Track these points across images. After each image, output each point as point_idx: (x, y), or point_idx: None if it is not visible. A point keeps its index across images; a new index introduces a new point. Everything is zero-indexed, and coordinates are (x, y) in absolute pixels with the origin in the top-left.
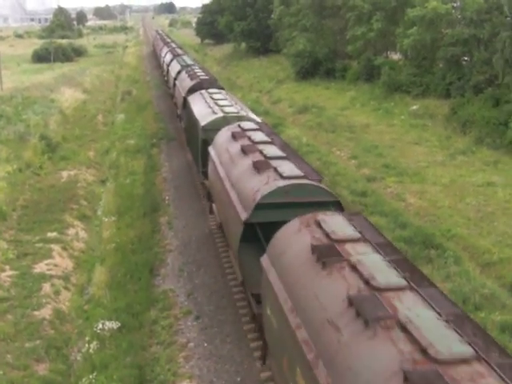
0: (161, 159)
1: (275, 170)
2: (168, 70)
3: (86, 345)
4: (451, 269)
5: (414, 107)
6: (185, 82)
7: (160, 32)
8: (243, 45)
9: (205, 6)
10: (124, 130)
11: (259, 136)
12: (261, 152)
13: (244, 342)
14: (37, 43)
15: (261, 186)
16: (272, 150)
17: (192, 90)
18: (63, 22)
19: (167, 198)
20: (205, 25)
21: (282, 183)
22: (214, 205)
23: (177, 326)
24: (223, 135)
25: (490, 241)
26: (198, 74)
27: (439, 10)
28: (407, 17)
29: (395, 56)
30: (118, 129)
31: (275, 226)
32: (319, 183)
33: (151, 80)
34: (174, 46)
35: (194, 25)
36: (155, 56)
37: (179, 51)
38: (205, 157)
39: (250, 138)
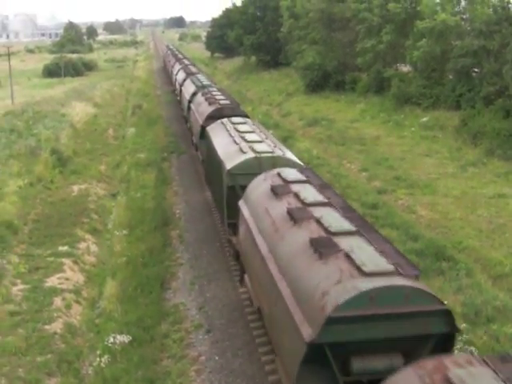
0: (171, 173)
1: (348, 257)
2: (181, 90)
3: (98, 358)
4: (463, 281)
5: (425, 119)
6: (202, 107)
7: (171, 47)
8: (253, 58)
9: (214, 20)
10: (134, 144)
11: (310, 193)
12: (318, 222)
13: (255, 355)
14: (47, 58)
15: (330, 285)
16: (334, 219)
17: (211, 118)
18: (74, 37)
19: (178, 211)
20: (214, 38)
21: (364, 285)
22: (246, 276)
23: (188, 340)
24: (259, 188)
25: (501, 252)
26: (217, 97)
27: (448, 22)
28: (416, 29)
29: (405, 68)
30: (128, 143)
31: (354, 345)
32: (417, 281)
33: (161, 94)
34: (186, 62)
35: (203, 38)
36: (166, 72)
37: (193, 69)
38: (232, 206)
39: (298, 197)
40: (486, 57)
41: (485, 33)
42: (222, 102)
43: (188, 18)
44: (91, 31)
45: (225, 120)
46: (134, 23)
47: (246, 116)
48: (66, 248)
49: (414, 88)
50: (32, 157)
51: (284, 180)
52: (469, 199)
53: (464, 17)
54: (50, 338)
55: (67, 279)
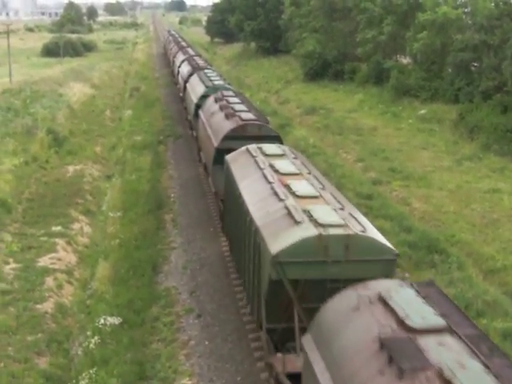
0: (167, 156)
1: None
2: (186, 87)
3: (87, 339)
4: (454, 274)
5: (422, 111)
6: (216, 120)
7: (173, 32)
8: (253, 44)
9: (215, 5)
10: (131, 126)
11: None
12: None
13: (244, 341)
14: (47, 37)
15: None
16: None
17: (230, 139)
18: (74, 17)
19: (172, 195)
20: (215, 23)
21: None
22: None
23: (178, 324)
24: (347, 325)
25: (494, 247)
26: (237, 107)
27: (450, 15)
28: (418, 21)
29: (404, 60)
30: (125, 125)
31: None
32: None
33: (160, 77)
34: (191, 52)
35: (204, 23)
36: (166, 59)
37: (200, 61)
38: (275, 306)
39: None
40: (486, 51)
41: (486, 27)
42: (244, 115)
43: (189, 2)
44: (91, 12)
45: (253, 148)
46: (134, 5)
47: (279, 139)
48: (59, 228)
49: (413, 80)
50: (28, 136)
51: (400, 321)
52: (463, 193)
53: (465, 10)
54: (41, 317)
55: (59, 259)
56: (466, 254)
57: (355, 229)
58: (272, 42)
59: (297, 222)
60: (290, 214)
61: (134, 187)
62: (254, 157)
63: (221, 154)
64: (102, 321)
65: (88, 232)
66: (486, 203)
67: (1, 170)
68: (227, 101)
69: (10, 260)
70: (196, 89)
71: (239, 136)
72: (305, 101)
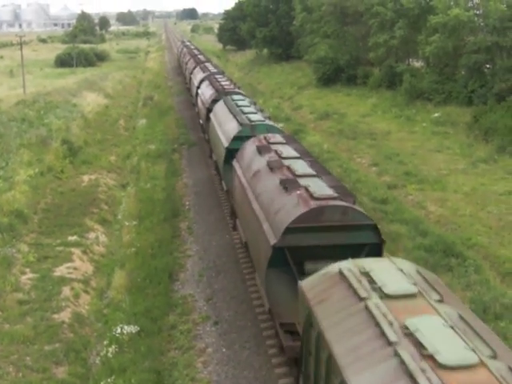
0: (182, 164)
1: None
2: (209, 118)
3: (105, 348)
4: (471, 277)
5: (436, 115)
6: (266, 189)
7: (187, 43)
8: (265, 51)
9: (227, 12)
10: (145, 135)
11: None
12: None
13: (263, 348)
14: (60, 48)
15: None
16: None
17: (296, 231)
18: (86, 27)
19: (187, 203)
20: (227, 31)
21: None
22: None
23: (195, 331)
24: None
25: (510, 250)
26: (298, 169)
27: (461, 18)
28: (429, 24)
29: (417, 63)
30: (139, 134)
31: None
32: None
33: (173, 85)
34: (212, 68)
35: (215, 31)
36: (180, 71)
37: (224, 82)
38: None
39: None
40: (499, 53)
41: (498, 29)
42: (314, 186)
43: (201, 10)
44: (104, 22)
45: (353, 274)
46: (146, 14)
47: (377, 231)
48: (75, 238)
49: (426, 83)
50: (43, 146)
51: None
52: (479, 196)
53: (477, 12)
54: (58, 327)
55: (76, 269)
56: (482, 257)
57: None
58: (284, 49)
59: None
60: None
61: (149, 196)
62: (362, 299)
63: (280, 252)
64: (119, 329)
65: (104, 241)
66: (502, 205)
67: (16, 180)
68: (277, 153)
69: (27, 270)
70: (225, 125)
71: (311, 227)
72: (318, 106)
